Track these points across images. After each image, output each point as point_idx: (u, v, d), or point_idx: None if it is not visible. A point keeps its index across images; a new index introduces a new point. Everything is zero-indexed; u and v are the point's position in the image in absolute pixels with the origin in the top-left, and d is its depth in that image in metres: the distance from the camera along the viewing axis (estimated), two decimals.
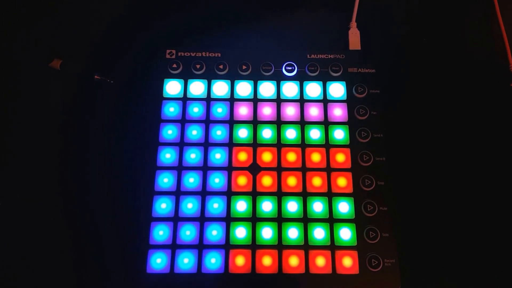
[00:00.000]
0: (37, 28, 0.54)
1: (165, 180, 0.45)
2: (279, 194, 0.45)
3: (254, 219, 0.44)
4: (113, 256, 0.44)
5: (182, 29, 0.54)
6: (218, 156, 0.46)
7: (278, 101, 0.49)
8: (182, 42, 0.53)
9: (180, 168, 0.46)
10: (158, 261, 0.43)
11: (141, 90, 0.50)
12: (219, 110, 0.48)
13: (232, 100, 0.49)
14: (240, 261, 0.43)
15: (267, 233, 0.44)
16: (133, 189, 0.45)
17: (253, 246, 0.43)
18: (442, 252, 0.45)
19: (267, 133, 0.47)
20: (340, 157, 0.46)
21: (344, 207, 0.44)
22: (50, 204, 0.46)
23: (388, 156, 0.46)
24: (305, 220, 0.44)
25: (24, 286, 0.44)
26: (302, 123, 0.48)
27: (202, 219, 0.44)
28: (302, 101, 0.49)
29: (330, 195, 0.45)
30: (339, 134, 0.47)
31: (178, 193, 0.45)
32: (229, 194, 0.45)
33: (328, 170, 0.46)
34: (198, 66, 0.49)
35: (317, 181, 0.45)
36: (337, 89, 0.49)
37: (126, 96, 0.51)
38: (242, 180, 0.45)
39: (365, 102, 0.48)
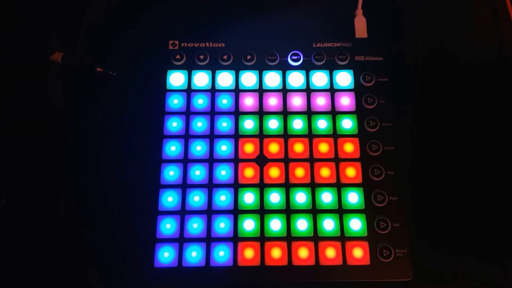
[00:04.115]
0: (38, 21, 0.53)
1: (171, 173, 0.45)
2: (287, 186, 0.44)
3: (262, 211, 0.43)
4: (120, 250, 0.43)
5: (185, 19, 0.53)
6: (224, 148, 0.46)
7: (284, 91, 0.48)
8: (185, 32, 0.52)
9: (185, 161, 0.45)
10: (165, 255, 0.42)
11: (144, 82, 0.49)
12: (224, 101, 0.47)
13: (237, 91, 0.48)
14: (249, 253, 0.42)
15: (275, 225, 0.43)
16: (139, 182, 0.45)
17: (262, 238, 0.43)
18: (453, 242, 0.44)
19: (273, 124, 0.46)
20: (349, 147, 0.46)
21: (353, 197, 0.44)
22: (55, 200, 0.45)
23: (398, 145, 0.45)
24: (314, 211, 0.43)
25: (30, 282, 0.43)
26: (309, 113, 0.47)
27: (209, 212, 0.43)
28: (308, 90, 0.48)
29: (339, 185, 0.44)
30: (347, 124, 0.46)
31: (184, 186, 0.44)
32: (236, 186, 0.44)
33: (337, 160, 0.45)
34: (202, 57, 0.48)
35: (325, 172, 0.45)
36: (344, 78, 0.48)
37: (129, 88, 0.50)
38: (249, 172, 0.45)
39: (373, 90, 0.47)
